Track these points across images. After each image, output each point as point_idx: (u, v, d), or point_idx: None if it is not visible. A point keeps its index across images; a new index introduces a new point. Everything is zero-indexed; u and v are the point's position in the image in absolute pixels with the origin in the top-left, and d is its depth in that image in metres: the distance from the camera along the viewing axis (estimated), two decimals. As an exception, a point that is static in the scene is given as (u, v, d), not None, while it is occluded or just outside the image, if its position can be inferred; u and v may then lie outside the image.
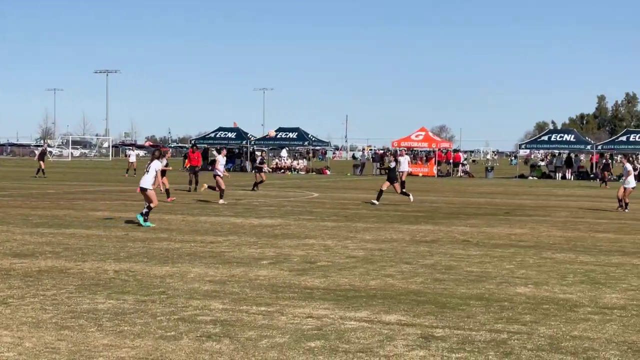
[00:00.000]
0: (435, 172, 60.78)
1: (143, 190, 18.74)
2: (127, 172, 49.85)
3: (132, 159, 51.29)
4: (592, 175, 57.43)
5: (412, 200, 27.47)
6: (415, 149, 68.01)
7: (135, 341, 7.64)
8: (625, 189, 26.08)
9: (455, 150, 70.29)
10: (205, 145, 67.96)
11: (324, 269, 12.38)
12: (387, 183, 26.78)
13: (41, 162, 46.17)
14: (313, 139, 67.27)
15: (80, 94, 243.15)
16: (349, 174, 61.45)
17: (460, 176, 60.68)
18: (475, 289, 10.76)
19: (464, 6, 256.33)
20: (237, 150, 66.46)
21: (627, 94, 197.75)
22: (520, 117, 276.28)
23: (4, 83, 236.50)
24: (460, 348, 7.61)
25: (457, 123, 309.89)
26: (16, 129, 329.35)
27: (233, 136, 66.95)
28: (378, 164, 60.80)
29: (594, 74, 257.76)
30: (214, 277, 11.44)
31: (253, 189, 33.76)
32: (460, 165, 63.58)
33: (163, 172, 26.18)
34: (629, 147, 58.06)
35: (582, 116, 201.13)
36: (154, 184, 18.90)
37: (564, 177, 58.10)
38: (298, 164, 65.30)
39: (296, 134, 65.57)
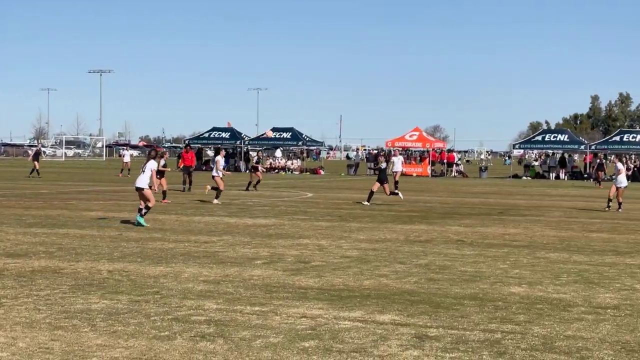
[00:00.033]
0: (429, 172, 60.81)
1: (139, 189, 18.75)
2: (121, 172, 49.79)
3: (127, 159, 51.22)
4: (585, 175, 57.56)
5: (402, 198, 27.48)
6: (409, 149, 68.08)
7: (129, 341, 7.63)
8: (617, 188, 26.16)
9: (449, 150, 70.31)
10: (199, 146, 67.92)
11: (318, 268, 12.38)
12: (378, 184, 26.79)
13: (36, 163, 46.08)
14: (307, 138, 67.26)
15: (73, 94, 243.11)
16: (343, 174, 61.45)
17: (454, 176, 60.72)
18: (469, 289, 10.77)
19: (458, 6, 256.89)
20: (231, 150, 66.42)
21: (621, 94, 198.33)
22: (514, 117, 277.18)
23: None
24: (454, 348, 7.61)
25: (451, 123, 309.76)
26: (9, 129, 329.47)
27: (227, 136, 66.92)
28: (372, 164, 60.81)
29: (587, 74, 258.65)
30: (208, 277, 11.43)
31: (247, 189, 33.72)
32: (454, 165, 63.63)
33: (162, 173, 26.25)
34: (623, 147, 58.19)
35: (575, 116, 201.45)
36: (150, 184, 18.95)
37: (557, 177, 58.19)
38: (292, 164, 65.27)
39: (290, 134, 65.55)
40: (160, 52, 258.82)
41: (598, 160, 51.69)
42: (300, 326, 8.38)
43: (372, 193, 26.77)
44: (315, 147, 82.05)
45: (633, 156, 68.38)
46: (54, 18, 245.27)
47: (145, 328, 8.17)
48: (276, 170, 63.33)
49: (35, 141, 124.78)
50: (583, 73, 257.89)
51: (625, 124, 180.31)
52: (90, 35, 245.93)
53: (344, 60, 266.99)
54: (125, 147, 72.46)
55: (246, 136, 67.97)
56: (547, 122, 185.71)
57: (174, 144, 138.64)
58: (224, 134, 67.24)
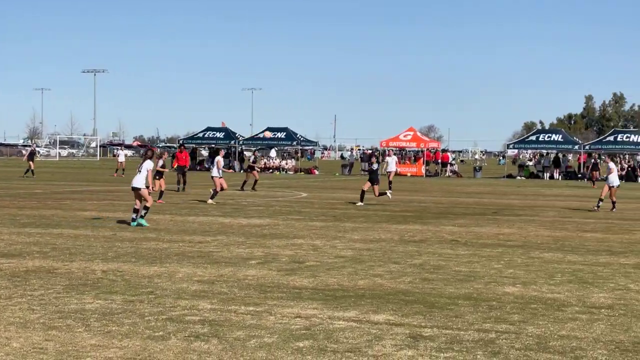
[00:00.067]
0: (423, 172, 60.83)
1: (135, 189, 18.73)
2: (116, 172, 49.73)
3: (121, 158, 51.16)
4: (579, 175, 57.65)
5: (390, 197, 27.40)
6: (403, 148, 68.09)
7: (123, 341, 7.62)
8: (610, 187, 26.22)
9: (444, 150, 70.38)
10: (194, 145, 67.88)
11: (312, 268, 12.38)
12: (368, 184, 26.83)
13: (30, 162, 45.97)
14: (301, 138, 67.28)
15: (67, 94, 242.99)
16: (337, 174, 61.47)
17: (449, 176, 60.76)
18: (464, 289, 10.78)
19: (452, 7, 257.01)
20: (225, 150, 66.38)
21: (615, 94, 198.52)
22: (509, 117, 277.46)
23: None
24: (449, 348, 7.62)
25: (445, 123, 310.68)
26: (3, 128, 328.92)
27: (221, 136, 66.92)
28: (366, 164, 60.82)
29: (581, 74, 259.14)
30: (203, 277, 11.42)
31: (242, 189, 33.71)
32: (449, 165, 63.66)
33: (160, 174, 26.24)
34: (617, 147, 58.31)
35: (569, 116, 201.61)
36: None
37: (551, 177, 58.27)
38: (286, 163, 65.27)
39: (285, 133, 65.57)
40: (155, 52, 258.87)
41: (592, 160, 51.79)
42: (294, 326, 8.38)
43: (363, 193, 26.78)
44: (309, 147, 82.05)
45: (627, 156, 68.55)
46: (47, 18, 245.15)
47: (139, 328, 8.17)
48: (271, 170, 63.31)
49: (29, 141, 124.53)
50: (577, 73, 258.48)
51: (619, 124, 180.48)
52: (84, 35, 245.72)
53: (338, 60, 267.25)
54: (119, 147, 72.39)
55: (240, 136, 67.96)
56: (541, 122, 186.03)
57: (168, 144, 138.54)
58: (218, 134, 67.23)
